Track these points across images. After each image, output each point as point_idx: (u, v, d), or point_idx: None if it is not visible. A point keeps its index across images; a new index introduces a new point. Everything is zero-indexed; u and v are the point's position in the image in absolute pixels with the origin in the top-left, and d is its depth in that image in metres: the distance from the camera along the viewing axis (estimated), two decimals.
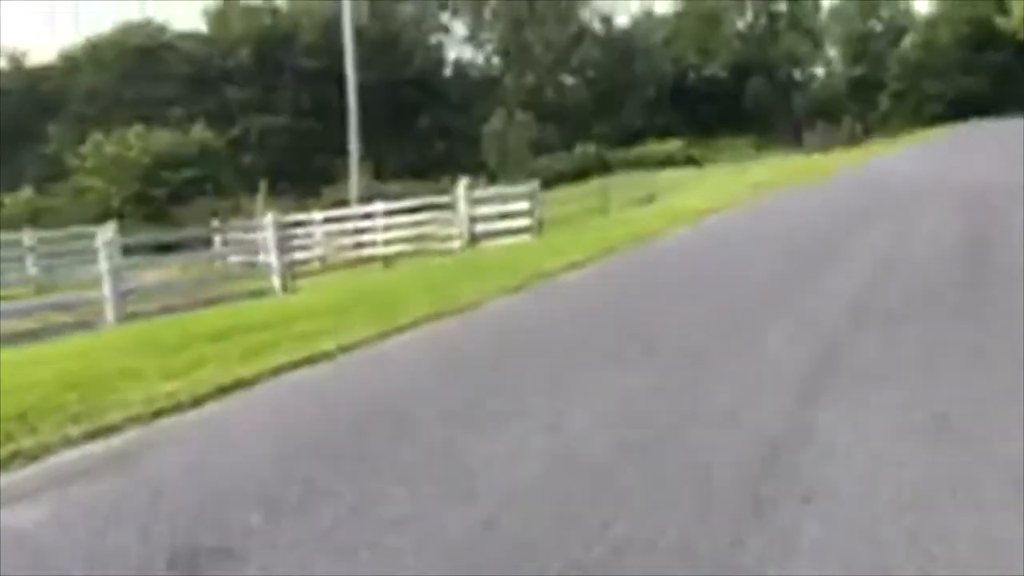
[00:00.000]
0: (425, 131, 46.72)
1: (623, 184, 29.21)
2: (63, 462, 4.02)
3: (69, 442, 4.26)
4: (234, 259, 17.97)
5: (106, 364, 5.81)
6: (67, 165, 34.01)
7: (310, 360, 5.75)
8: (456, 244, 16.16)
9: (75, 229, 21.44)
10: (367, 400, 4.79)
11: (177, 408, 4.77)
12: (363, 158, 27.76)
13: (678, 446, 3.60)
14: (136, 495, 3.48)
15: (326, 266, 13.65)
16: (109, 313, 10.31)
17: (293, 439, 4.10)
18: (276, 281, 12.36)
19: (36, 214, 31.96)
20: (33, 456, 4.08)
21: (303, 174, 37.20)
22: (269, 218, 12.93)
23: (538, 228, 15.64)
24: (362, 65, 26.44)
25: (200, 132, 35.34)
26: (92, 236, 21.53)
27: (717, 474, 3.23)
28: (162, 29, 42.50)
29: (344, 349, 6.06)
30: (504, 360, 5.48)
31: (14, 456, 4.05)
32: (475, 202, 16.61)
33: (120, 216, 31.15)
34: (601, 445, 3.67)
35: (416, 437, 3.95)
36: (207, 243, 21.36)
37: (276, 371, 5.50)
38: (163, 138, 33.86)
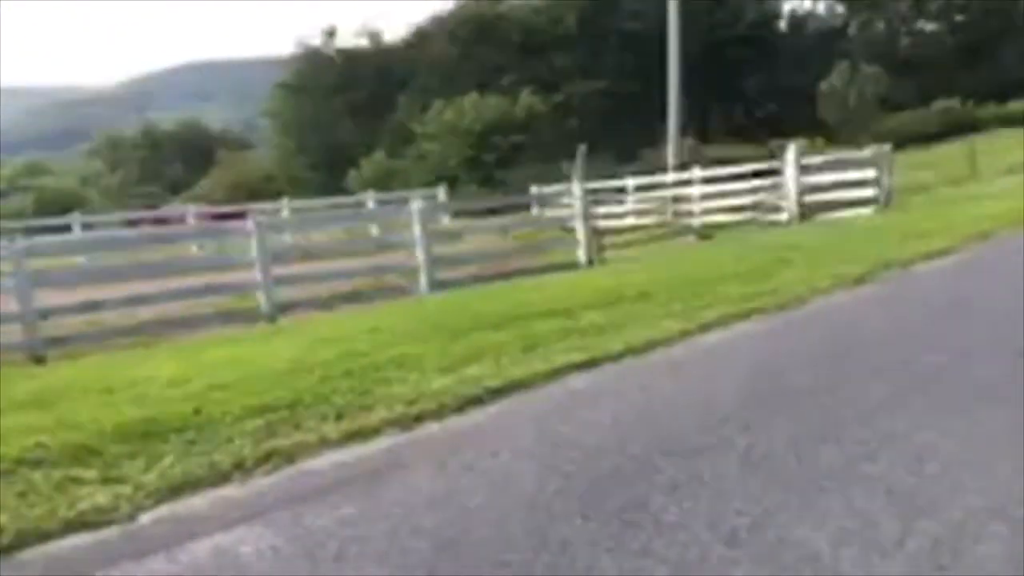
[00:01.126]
0: (754, 91, 43.74)
1: (996, 146, 24.45)
2: (309, 472, 3.64)
3: (325, 444, 3.91)
4: (549, 225, 17.95)
5: (388, 347, 5.54)
6: (413, 132, 37.20)
7: (592, 362, 4.95)
8: (784, 217, 14.40)
9: (408, 192, 23.12)
10: (643, 430, 3.84)
11: (438, 413, 4.24)
12: (685, 122, 26.45)
13: None
14: (370, 533, 2.92)
15: (636, 239, 12.87)
16: (422, 279, 10.51)
17: (549, 478, 3.30)
18: (581, 254, 11.84)
19: (387, 176, 35.43)
20: (288, 457, 3.76)
21: (622, 139, 36.78)
22: (576, 187, 12.41)
23: (886, 200, 13.29)
24: (687, 25, 24.96)
25: (527, 98, 36.49)
26: (429, 198, 23.30)
27: None
28: (499, 0, 44.51)
29: (633, 350, 5.17)
30: (837, 388, 4.18)
31: (268, 456, 3.76)
32: (808, 169, 14.63)
33: (454, 179, 33.42)
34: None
35: (695, 495, 2.93)
36: (527, 208, 21.74)
37: (553, 374, 4.78)
38: (494, 105, 35.50)
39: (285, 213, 20.04)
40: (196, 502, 3.38)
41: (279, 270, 9.92)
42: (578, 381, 4.70)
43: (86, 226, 19.60)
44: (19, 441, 3.92)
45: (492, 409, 4.32)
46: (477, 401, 4.41)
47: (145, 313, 9.53)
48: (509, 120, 35.30)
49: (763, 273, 7.68)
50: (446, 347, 5.45)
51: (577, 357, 5.04)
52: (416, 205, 10.69)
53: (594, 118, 39.28)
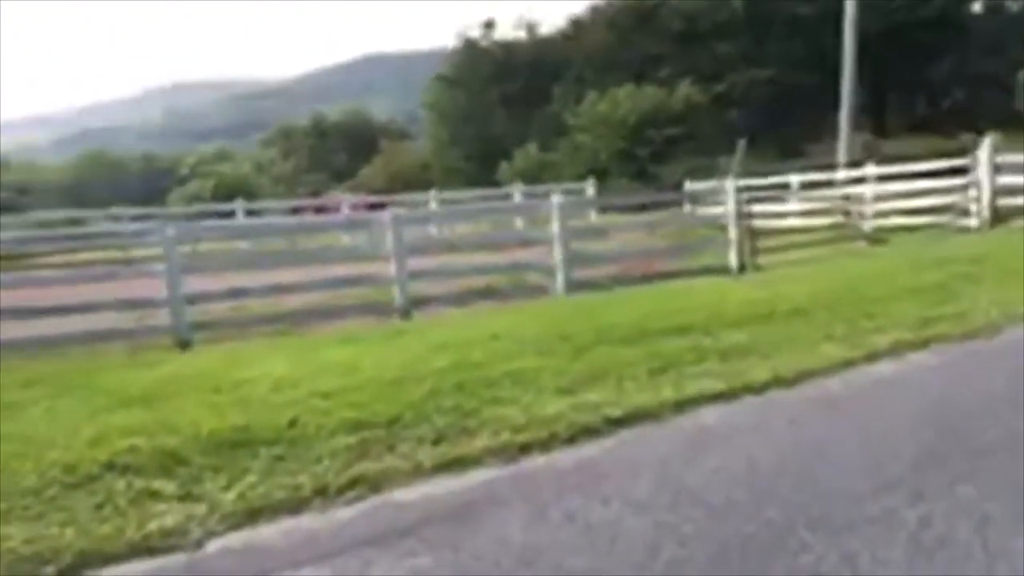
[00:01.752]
0: (940, 79, 39.93)
1: None
2: (394, 504, 3.27)
3: (417, 472, 3.54)
4: (701, 223, 16.99)
5: (506, 359, 5.11)
6: (566, 124, 36.75)
7: (730, 393, 4.31)
8: (973, 223, 12.79)
9: (557, 185, 22.72)
10: (785, 488, 3.17)
11: (547, 443, 3.77)
12: (859, 114, 24.37)
13: None
14: None
15: (797, 241, 11.77)
16: (559, 278, 10.05)
17: (663, 541, 2.74)
18: (732, 258, 10.94)
19: (539, 168, 35.24)
20: (373, 485, 3.41)
21: (787, 132, 34.58)
22: (729, 184, 11.49)
23: None
24: (864, 7, 22.90)
25: (685, 88, 35.06)
26: (577, 192, 22.81)
27: None
28: None
29: (781, 381, 4.46)
30: None
31: (354, 483, 3.43)
32: (1003, 168, 12.91)
33: (605, 173, 32.69)
34: None
35: None
36: (679, 205, 20.78)
37: (682, 404, 4.19)
38: (650, 96, 34.37)
39: (433, 205, 20.17)
40: (269, 532, 3.10)
41: (417, 263, 9.76)
42: (711, 415, 4.07)
43: (250, 212, 20.57)
44: (114, 443, 3.81)
45: (608, 443, 3.79)
46: (593, 432, 3.90)
47: (292, 301, 9.65)
48: (665, 111, 34.04)
49: (946, 291, 6.63)
50: (567, 363, 4.95)
51: (713, 385, 4.40)
52: (556, 199, 10.22)
53: (757, 110, 37.22)
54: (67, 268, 11.21)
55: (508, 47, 44.45)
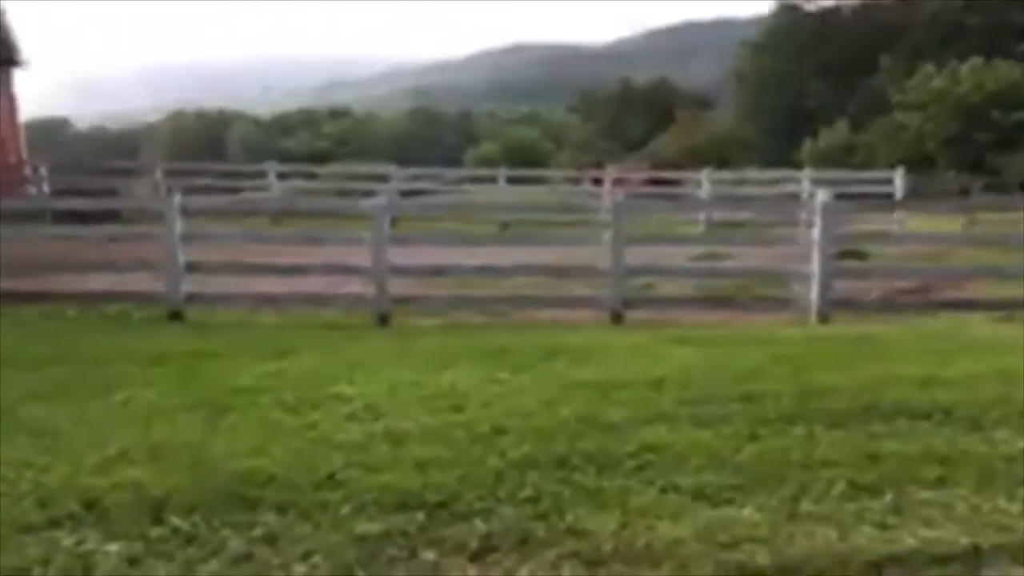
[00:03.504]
0: None
1: None
2: None
3: None
4: None
5: (644, 421, 3.80)
6: (889, 100, 32.10)
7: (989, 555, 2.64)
8: None
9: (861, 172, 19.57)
10: None
11: None
12: None
13: None
14: None
15: None
16: (812, 294, 8.15)
17: None
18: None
19: (846, 151, 31.31)
20: None
21: None
22: None
23: None
24: None
25: None
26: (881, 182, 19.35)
27: None
28: None
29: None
30: None
31: None
32: None
33: (929, 161, 28.04)
34: None
35: None
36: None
37: (885, 563, 2.62)
38: (1002, 73, 28.64)
39: (705, 185, 18.33)
40: None
41: (639, 252, 8.47)
42: None
43: (514, 180, 20.27)
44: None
45: None
46: None
47: (506, 286, 8.96)
48: (1018, 92, 28.23)
49: None
50: (736, 443, 3.51)
51: (956, 537, 2.75)
52: (821, 197, 8.26)
53: None
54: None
55: (831, 11, 39.92)
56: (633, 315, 8.11)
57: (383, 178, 18.60)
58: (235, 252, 8.83)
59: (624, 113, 61.44)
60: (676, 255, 9.41)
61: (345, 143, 60.00)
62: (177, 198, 8.38)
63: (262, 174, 18.37)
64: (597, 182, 23.47)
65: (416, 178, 20.46)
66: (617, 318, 8.04)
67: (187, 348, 5.82)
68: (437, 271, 8.63)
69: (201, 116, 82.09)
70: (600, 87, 69.94)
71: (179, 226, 8.27)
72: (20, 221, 10.54)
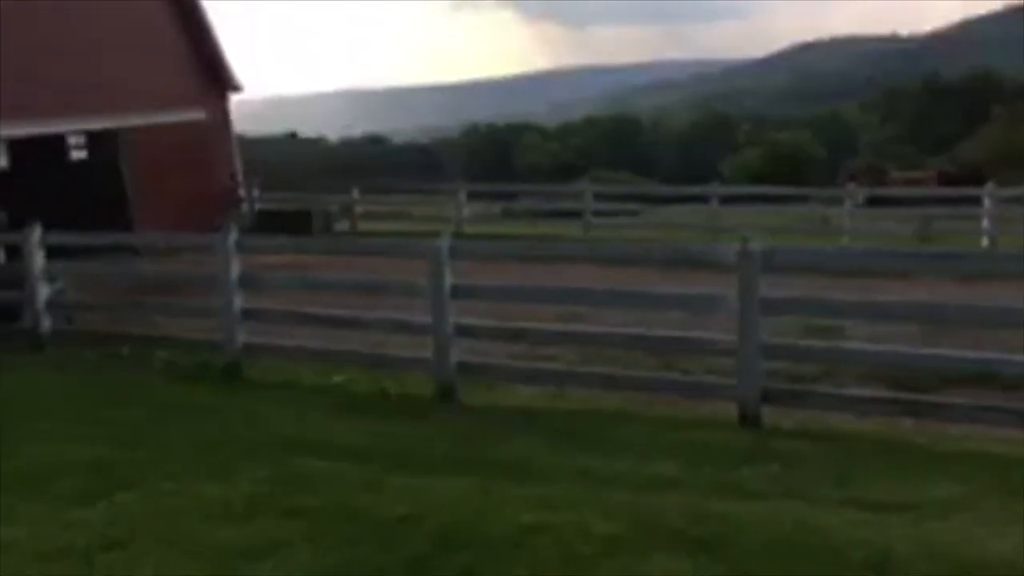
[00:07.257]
0: None
1: None
2: None
3: None
4: None
5: None
6: None
7: None
8: None
9: None
10: None
11: None
12: None
13: None
14: None
15: None
16: None
17: None
18: None
19: None
20: None
21: None
22: None
23: None
24: None
25: None
26: None
27: None
28: None
29: None
30: None
31: None
32: None
33: None
34: None
35: None
36: None
37: None
38: None
39: (987, 205, 13.90)
40: None
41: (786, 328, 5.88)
42: None
43: (728, 199, 16.81)
44: None
45: None
46: None
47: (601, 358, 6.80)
48: None
49: None
50: None
51: None
52: None
53: None
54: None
55: None
56: (772, 414, 5.59)
57: (576, 197, 16.64)
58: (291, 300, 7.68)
59: (931, 111, 53.34)
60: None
61: (624, 147, 58.57)
62: (232, 236, 7.31)
63: (452, 192, 17.17)
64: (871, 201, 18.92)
65: (614, 198, 18.36)
66: (752, 419, 5.55)
67: None
68: (516, 334, 6.71)
69: (492, 129, 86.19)
70: (906, 83, 61.85)
71: (236, 268, 7.26)
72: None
